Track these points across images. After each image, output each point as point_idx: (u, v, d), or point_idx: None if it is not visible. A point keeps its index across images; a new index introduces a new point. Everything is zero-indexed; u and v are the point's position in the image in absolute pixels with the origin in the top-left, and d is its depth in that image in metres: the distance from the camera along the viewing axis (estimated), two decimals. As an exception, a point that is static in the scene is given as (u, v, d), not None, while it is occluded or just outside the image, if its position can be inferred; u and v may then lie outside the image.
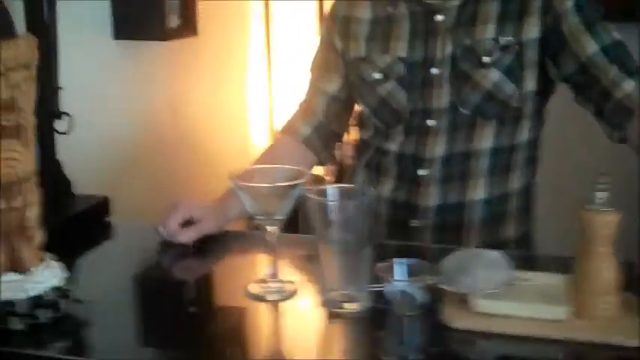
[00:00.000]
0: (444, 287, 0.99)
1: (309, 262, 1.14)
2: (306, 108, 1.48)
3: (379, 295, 0.99)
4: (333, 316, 1.00)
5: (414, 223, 1.37)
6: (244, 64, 2.76)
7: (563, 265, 1.04)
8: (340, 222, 0.99)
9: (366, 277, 1.01)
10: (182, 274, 1.24)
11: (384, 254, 1.02)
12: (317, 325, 1.02)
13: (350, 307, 1.00)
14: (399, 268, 1.00)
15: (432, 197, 1.35)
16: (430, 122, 1.33)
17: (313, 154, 1.47)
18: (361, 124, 1.47)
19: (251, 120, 2.82)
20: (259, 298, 1.06)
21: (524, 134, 1.36)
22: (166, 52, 2.30)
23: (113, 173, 2.05)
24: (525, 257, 1.24)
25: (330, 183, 2.22)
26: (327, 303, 1.02)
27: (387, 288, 0.98)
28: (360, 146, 1.49)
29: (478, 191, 1.35)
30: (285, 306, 1.05)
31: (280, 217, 1.06)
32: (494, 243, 1.36)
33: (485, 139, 1.33)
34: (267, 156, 1.45)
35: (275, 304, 1.05)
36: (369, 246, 1.00)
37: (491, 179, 1.35)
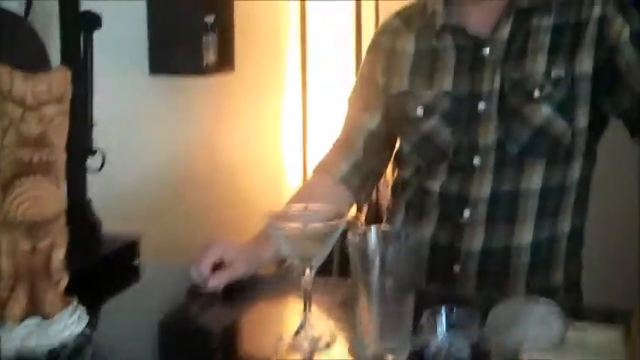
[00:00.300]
0: (492, 342, 0.92)
1: (346, 310, 1.08)
2: (343, 144, 1.43)
3: (421, 349, 0.93)
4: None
5: (457, 268, 1.30)
6: (280, 100, 2.74)
7: (618, 316, 0.98)
8: (382, 267, 0.93)
9: (407, 328, 0.94)
10: (210, 322, 1.19)
11: (424, 302, 0.95)
12: None
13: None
14: (444, 319, 0.93)
15: (476, 240, 1.28)
16: (476, 160, 1.27)
17: (351, 194, 1.42)
18: (401, 161, 1.41)
19: (285, 158, 2.78)
20: (292, 351, 1.00)
21: (575, 174, 1.29)
22: (202, 87, 2.29)
23: (145, 212, 2.03)
24: (577, 308, 1.16)
25: (364, 224, 2.15)
26: (363, 357, 0.95)
27: (429, 340, 0.92)
28: (400, 185, 1.43)
29: (525, 234, 1.28)
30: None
31: (318, 262, 1.01)
32: (541, 290, 1.27)
33: (534, 179, 1.26)
34: (303, 195, 1.41)
35: (308, 357, 0.99)
36: (411, 294, 0.94)
37: (540, 221, 1.28)
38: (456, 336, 0.91)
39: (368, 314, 0.95)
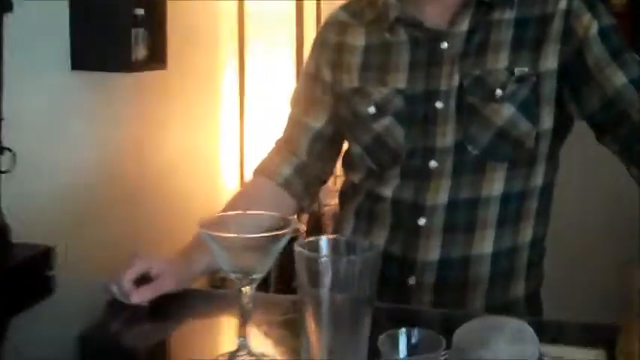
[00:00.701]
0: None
1: (288, 331, 0.96)
2: (286, 146, 1.34)
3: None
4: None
5: (411, 280, 1.20)
6: (216, 99, 2.61)
7: (595, 334, 0.89)
8: (334, 282, 0.81)
9: (362, 354, 0.82)
10: (133, 342, 1.05)
11: (378, 321, 0.83)
12: None
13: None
14: (404, 342, 0.82)
15: (432, 251, 1.18)
16: (432, 164, 1.17)
17: (293, 200, 1.32)
18: (350, 165, 1.31)
19: (222, 160, 2.65)
20: None
21: (537, 179, 1.21)
22: (132, 86, 2.15)
23: (64, 220, 1.87)
24: (547, 325, 1.07)
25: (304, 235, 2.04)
26: None
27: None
28: (348, 191, 1.32)
29: (485, 244, 1.19)
30: None
31: (259, 275, 0.89)
32: (502, 303, 1.21)
33: (495, 185, 1.17)
34: (240, 201, 1.29)
35: None
36: (368, 313, 0.82)
37: (501, 230, 1.19)
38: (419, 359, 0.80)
39: (317, 336, 0.83)
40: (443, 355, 0.81)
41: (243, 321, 0.90)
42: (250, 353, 0.89)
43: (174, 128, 2.39)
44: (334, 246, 0.86)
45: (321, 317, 0.81)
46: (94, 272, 1.83)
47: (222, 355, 0.91)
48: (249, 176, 2.66)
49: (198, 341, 1.02)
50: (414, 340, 0.83)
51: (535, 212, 1.22)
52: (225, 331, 1.05)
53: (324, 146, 1.32)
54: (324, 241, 0.86)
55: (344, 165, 1.34)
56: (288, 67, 2.56)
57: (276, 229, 0.88)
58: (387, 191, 1.21)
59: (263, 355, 0.91)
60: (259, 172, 1.34)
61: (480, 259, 1.19)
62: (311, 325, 0.82)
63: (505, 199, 1.18)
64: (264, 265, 0.89)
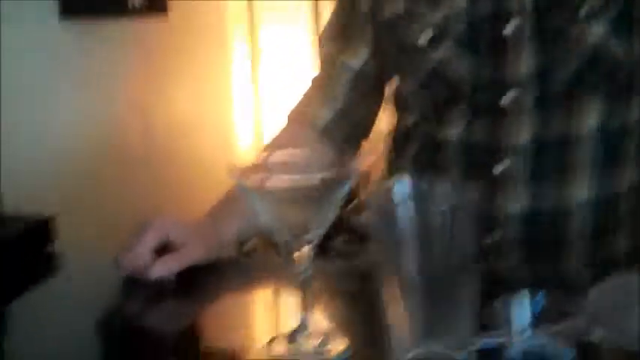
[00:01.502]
0: (609, 341, 0.63)
1: (363, 306, 0.78)
2: (323, 88, 1.17)
3: (495, 356, 0.64)
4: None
5: (489, 238, 1.02)
6: (227, 53, 2.41)
7: None
8: (425, 240, 0.63)
9: (464, 328, 0.64)
10: (157, 326, 0.87)
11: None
12: None
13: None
14: (522, 310, 0.64)
15: (515, 202, 1.00)
16: (505, 99, 0.99)
17: (335, 150, 1.13)
18: (402, 106, 1.13)
19: (236, 122, 2.46)
20: None
21: (636, 111, 1.02)
22: (130, 38, 1.96)
23: (63, 191, 1.70)
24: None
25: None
26: None
27: (505, 345, 0.63)
28: (401, 137, 1.15)
29: (580, 190, 1.01)
30: None
31: (317, 234, 0.71)
32: (601, 261, 1.04)
33: (588, 119, 0.99)
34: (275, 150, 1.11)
35: None
36: (470, 277, 0.64)
37: (596, 174, 1.01)
38: (549, 334, 0.62)
39: (404, 307, 0.65)
40: (582, 324, 0.63)
41: (303, 293, 0.72)
42: (316, 333, 0.72)
43: (180, 86, 2.21)
44: (420, 192, 0.67)
45: (407, 286, 0.64)
46: (100, 246, 1.66)
47: (278, 337, 0.73)
48: (266, 136, 2.49)
49: (240, 326, 0.84)
50: (538, 306, 0.66)
51: (636, 151, 1.04)
52: (277, 311, 0.87)
53: (367, 87, 1.15)
54: (405, 185, 0.68)
55: (394, 106, 1.16)
56: (305, 14, 2.38)
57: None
58: (452, 134, 1.03)
59: (333, 337, 0.73)
60: (295, 117, 1.18)
61: (572, 210, 1.01)
62: (394, 296, 0.64)
63: (601, 135, 1.00)
64: (322, 221, 0.71)
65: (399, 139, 1.15)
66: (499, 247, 1.01)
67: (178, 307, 0.89)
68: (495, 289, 0.66)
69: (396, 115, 1.16)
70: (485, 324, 0.65)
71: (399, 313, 0.65)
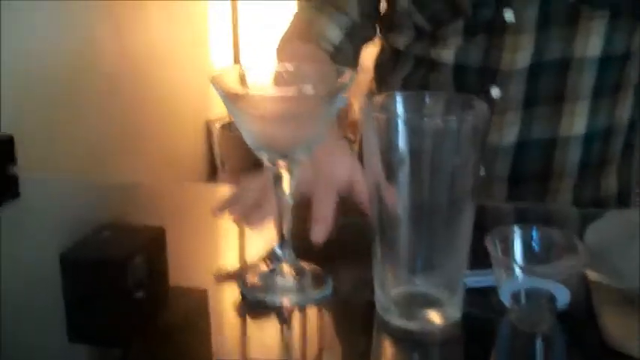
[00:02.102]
0: (605, 280, 0.60)
1: (347, 237, 0.74)
2: (331, 0, 1.05)
3: (485, 295, 0.60)
4: (397, 334, 0.60)
5: (481, 171, 0.97)
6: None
7: None
8: (426, 159, 0.57)
9: (461, 262, 0.60)
10: (122, 256, 0.81)
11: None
12: (367, 350, 0.61)
13: (433, 318, 0.60)
14: (522, 245, 0.61)
15: (509, 130, 0.96)
16: (508, 14, 0.93)
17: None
18: (392, 27, 1.05)
19: (213, 48, 2.39)
20: (262, 299, 0.65)
21: (640, 35, 0.97)
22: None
23: (31, 114, 1.63)
24: None
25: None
26: (385, 310, 0.62)
27: (502, 281, 0.59)
28: (388, 62, 1.08)
29: (577, 120, 0.96)
30: (311, 314, 0.65)
31: (304, 153, 0.65)
32: (591, 201, 1.00)
33: (593, 41, 0.93)
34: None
35: (290, 309, 0.65)
36: (472, 206, 0.59)
37: (597, 103, 0.96)
38: (548, 272, 0.58)
39: (397, 242, 0.61)
40: (579, 261, 0.59)
41: (280, 222, 0.66)
42: (295, 267, 0.67)
43: (155, 11, 2.12)
44: (417, 104, 0.62)
45: (402, 213, 0.59)
46: (66, 171, 1.61)
47: (248, 267, 0.69)
48: (244, 61, 2.41)
49: (208, 251, 0.80)
50: (534, 243, 0.62)
51: (636, 82, 0.99)
52: (253, 238, 0.82)
53: (373, 2, 1.06)
54: (400, 98, 0.62)
55: (383, 26, 1.08)
56: None
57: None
58: (446, 55, 0.97)
59: (314, 267, 0.68)
60: (301, 36, 1.05)
61: (569, 142, 0.96)
62: (387, 227, 0.60)
63: (604, 60, 0.94)
64: (312, 138, 0.64)
65: (386, 63, 1.08)
66: (488, 181, 0.97)
67: (145, 234, 0.84)
68: (483, 226, 0.62)
69: (382, 39, 1.09)
70: (475, 263, 0.61)
71: (392, 245, 0.60)
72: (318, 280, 0.66)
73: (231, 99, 0.62)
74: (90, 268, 0.72)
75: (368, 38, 1.08)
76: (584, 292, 0.61)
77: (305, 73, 0.68)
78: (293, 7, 1.68)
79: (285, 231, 0.66)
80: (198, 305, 0.67)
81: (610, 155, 1.01)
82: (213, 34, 2.39)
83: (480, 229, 0.61)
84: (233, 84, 0.64)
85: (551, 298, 0.57)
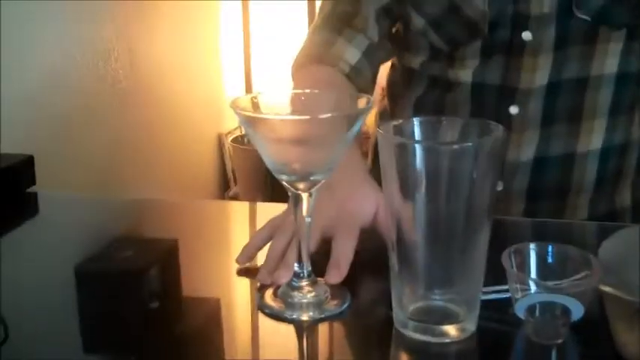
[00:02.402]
0: (618, 294, 0.61)
1: (366, 255, 0.75)
2: (346, 22, 1.04)
3: (501, 310, 0.62)
4: (414, 348, 0.61)
5: (499, 185, 0.99)
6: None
7: None
8: (448, 182, 0.59)
9: (477, 279, 0.62)
10: (138, 269, 0.82)
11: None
12: None
13: (449, 332, 0.61)
14: (538, 261, 0.62)
15: (528, 147, 0.97)
16: (526, 35, 0.94)
17: (357, 90, 1.03)
18: (407, 46, 1.06)
19: (224, 65, 2.41)
20: (280, 314, 0.66)
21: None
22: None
23: (42, 131, 1.65)
24: None
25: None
26: (403, 325, 0.63)
27: (518, 296, 0.60)
28: (404, 79, 1.09)
29: (595, 137, 0.98)
30: (325, 329, 0.66)
31: (323, 176, 0.65)
32: (607, 214, 1.02)
33: (610, 60, 0.95)
34: None
35: (307, 324, 0.66)
36: (488, 227, 0.60)
37: (614, 120, 0.98)
38: (563, 288, 0.60)
39: (413, 262, 0.61)
40: (594, 279, 0.61)
41: (301, 241, 0.67)
42: (311, 282, 0.68)
43: (168, 28, 2.14)
44: (433, 129, 0.64)
45: (420, 234, 0.60)
46: (80, 188, 1.63)
47: (273, 288, 0.70)
48: (256, 81, 2.43)
49: (221, 267, 0.81)
50: (549, 259, 0.63)
51: None
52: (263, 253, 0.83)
53: (390, 22, 1.05)
54: (417, 123, 0.64)
55: (396, 45, 1.08)
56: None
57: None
58: (464, 75, 0.99)
59: (331, 285, 0.69)
60: (314, 58, 1.04)
61: (587, 158, 0.98)
62: (404, 245, 0.61)
63: (621, 78, 0.96)
64: (330, 161, 0.65)
65: (399, 82, 1.09)
66: (506, 196, 0.99)
67: (160, 249, 0.86)
68: (499, 241, 0.63)
69: (395, 58, 1.11)
70: (491, 277, 0.62)
71: (408, 263, 0.61)
72: (336, 296, 0.68)
73: (250, 122, 0.63)
74: (105, 281, 0.75)
75: (385, 58, 1.08)
76: (598, 306, 0.62)
77: (323, 98, 0.70)
78: (304, 19, 1.70)
79: (303, 252, 0.67)
80: (211, 316, 0.68)
81: (625, 170, 1.02)
82: (224, 47, 2.41)
83: (498, 244, 0.63)
84: (251, 108, 0.66)
85: (566, 312, 0.59)
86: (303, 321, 0.65)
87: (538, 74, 0.95)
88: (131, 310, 0.70)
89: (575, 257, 0.62)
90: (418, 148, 0.59)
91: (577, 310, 0.59)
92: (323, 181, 0.65)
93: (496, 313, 0.63)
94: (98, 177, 1.78)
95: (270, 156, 0.64)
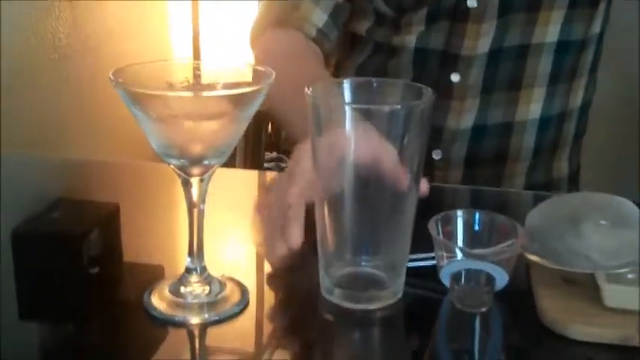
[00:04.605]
0: (541, 262, 0.63)
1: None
2: None
3: (428, 277, 0.63)
4: (338, 314, 0.62)
5: (437, 154, 1.01)
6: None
7: None
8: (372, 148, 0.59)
9: (404, 244, 0.63)
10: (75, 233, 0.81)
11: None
12: (309, 332, 0.62)
13: (375, 298, 0.63)
14: (464, 228, 0.64)
15: (466, 115, 0.99)
16: (471, 2, 0.95)
17: (323, 57, 1.02)
18: (353, 12, 1.06)
19: (172, 28, 2.38)
20: (167, 317, 0.60)
21: (596, 24, 1.02)
22: None
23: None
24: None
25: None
26: (329, 292, 0.63)
27: (441, 263, 0.62)
28: (348, 46, 1.10)
29: (533, 106, 1.00)
30: (224, 330, 0.60)
31: (217, 160, 0.59)
32: (544, 184, 1.05)
33: (552, 28, 0.97)
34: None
35: (198, 328, 0.60)
36: (415, 193, 0.61)
37: (553, 89, 1.00)
38: (488, 255, 0.62)
39: (338, 231, 0.62)
40: (519, 246, 0.63)
41: (192, 232, 0.61)
42: (207, 280, 0.62)
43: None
44: (365, 90, 0.64)
45: (345, 203, 0.60)
46: (19, 147, 1.61)
47: (158, 283, 0.64)
48: (205, 45, 2.40)
49: (161, 230, 0.81)
50: (476, 227, 0.65)
51: (589, 67, 1.04)
52: (167, 243, 0.78)
53: None
54: (347, 85, 0.64)
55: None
56: None
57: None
58: (408, 40, 1.00)
59: (229, 281, 0.64)
60: (277, 22, 1.02)
61: (525, 127, 1.00)
62: (332, 210, 0.61)
63: (561, 45, 0.98)
64: (224, 144, 0.58)
65: (343, 49, 1.10)
66: (443, 164, 1.01)
67: (101, 212, 0.84)
68: (436, 209, 0.65)
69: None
70: (425, 245, 0.63)
71: (333, 229, 0.62)
72: (234, 294, 0.63)
73: (131, 98, 0.56)
74: (43, 244, 0.73)
75: (347, 21, 1.07)
76: (523, 273, 0.65)
77: (222, 71, 0.63)
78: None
79: (195, 243, 0.61)
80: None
81: (563, 139, 1.05)
82: (171, 9, 2.40)
83: (435, 212, 0.64)
84: (137, 82, 0.57)
85: (490, 279, 0.61)
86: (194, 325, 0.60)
87: (481, 41, 0.96)
88: (70, 274, 0.69)
89: (501, 225, 0.64)
90: (347, 109, 0.60)
91: (501, 278, 0.61)
92: (216, 167, 0.60)
93: (423, 280, 0.65)
94: (37, 136, 1.76)
95: (157, 137, 0.57)
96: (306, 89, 0.60)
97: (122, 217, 0.78)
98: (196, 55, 2.32)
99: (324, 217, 0.62)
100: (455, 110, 0.98)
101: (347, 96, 0.64)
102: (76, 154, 1.89)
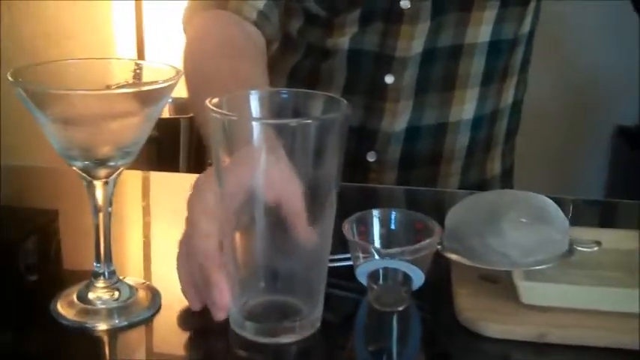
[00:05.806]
0: (459, 260, 0.64)
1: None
2: None
3: (347, 278, 0.64)
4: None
5: (371, 156, 1.02)
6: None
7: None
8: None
9: (325, 252, 0.60)
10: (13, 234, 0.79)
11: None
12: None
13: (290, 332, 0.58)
14: (380, 228, 0.65)
15: (401, 117, 1.00)
16: (404, 4, 0.96)
17: (264, 42, 0.98)
18: (284, 12, 1.03)
19: (116, 23, 2.37)
20: (75, 324, 0.60)
21: (526, 24, 1.04)
22: None
23: None
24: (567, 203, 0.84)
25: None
26: (239, 326, 0.59)
27: (358, 264, 0.63)
28: (280, 46, 1.07)
29: (466, 106, 1.01)
30: (134, 336, 0.60)
31: (123, 161, 0.58)
32: (478, 183, 1.07)
33: (484, 28, 0.99)
34: (190, 58, 0.93)
35: (108, 334, 0.59)
36: (333, 203, 0.58)
37: (486, 88, 1.02)
38: (404, 254, 0.62)
39: (249, 245, 0.58)
40: (436, 247, 0.64)
41: (101, 235, 0.60)
42: (115, 285, 0.62)
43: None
44: (275, 104, 0.60)
45: (256, 229, 0.56)
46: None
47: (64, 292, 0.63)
48: (149, 46, 2.40)
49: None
50: (392, 226, 0.66)
51: (520, 65, 1.06)
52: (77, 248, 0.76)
53: None
54: (256, 95, 0.60)
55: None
56: None
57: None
58: (341, 42, 1.00)
59: (140, 286, 0.64)
60: (214, 4, 0.97)
61: (459, 127, 1.02)
62: (238, 243, 0.56)
63: (493, 45, 1.00)
64: (130, 144, 0.57)
65: (277, 49, 1.07)
66: (378, 165, 1.01)
67: (39, 219, 0.83)
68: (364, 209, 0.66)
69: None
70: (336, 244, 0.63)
71: (243, 254, 0.57)
72: (145, 298, 0.62)
73: (30, 98, 0.54)
74: None
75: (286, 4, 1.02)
76: (443, 272, 0.66)
77: (121, 69, 0.62)
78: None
79: (102, 247, 0.61)
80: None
81: (495, 138, 1.07)
82: (116, 16, 2.38)
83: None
84: (38, 80, 0.57)
85: (407, 279, 0.62)
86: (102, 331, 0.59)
87: (415, 42, 0.97)
88: (6, 282, 0.68)
89: (418, 223, 0.65)
90: (255, 125, 0.54)
91: (417, 276, 0.62)
92: (122, 169, 0.59)
93: (342, 280, 0.65)
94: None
95: (57, 137, 0.56)
96: (207, 102, 0.55)
97: (60, 224, 0.77)
98: (140, 56, 2.32)
99: (232, 245, 0.57)
100: (389, 112, 0.99)
101: (254, 109, 0.60)
102: (15, 161, 1.86)
